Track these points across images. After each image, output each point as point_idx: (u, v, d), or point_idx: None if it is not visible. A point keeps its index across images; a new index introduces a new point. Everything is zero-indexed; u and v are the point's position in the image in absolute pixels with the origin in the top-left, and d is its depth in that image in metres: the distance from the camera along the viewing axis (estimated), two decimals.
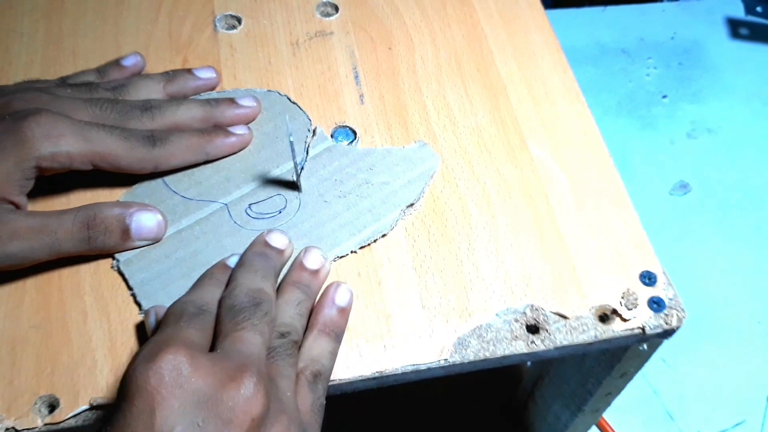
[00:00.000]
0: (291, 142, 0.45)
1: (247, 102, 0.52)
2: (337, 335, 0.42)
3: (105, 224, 0.43)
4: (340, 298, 0.43)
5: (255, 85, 0.55)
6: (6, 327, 0.43)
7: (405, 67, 0.57)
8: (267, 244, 0.45)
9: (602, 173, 0.52)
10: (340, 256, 0.47)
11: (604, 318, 0.46)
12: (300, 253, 0.45)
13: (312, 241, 0.47)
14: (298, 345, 0.41)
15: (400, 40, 0.59)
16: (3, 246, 0.41)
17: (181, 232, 0.47)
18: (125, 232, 0.44)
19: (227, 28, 0.59)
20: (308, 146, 0.52)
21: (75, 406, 0.40)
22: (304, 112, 0.54)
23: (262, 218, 0.48)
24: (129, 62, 0.54)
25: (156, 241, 0.46)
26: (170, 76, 0.53)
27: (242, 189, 0.49)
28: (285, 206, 0.49)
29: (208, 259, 0.46)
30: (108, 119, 0.46)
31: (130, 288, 0.45)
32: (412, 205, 0.49)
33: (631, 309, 0.45)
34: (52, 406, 0.40)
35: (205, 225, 0.47)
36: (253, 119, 0.52)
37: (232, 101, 0.52)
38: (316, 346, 0.41)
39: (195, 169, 0.50)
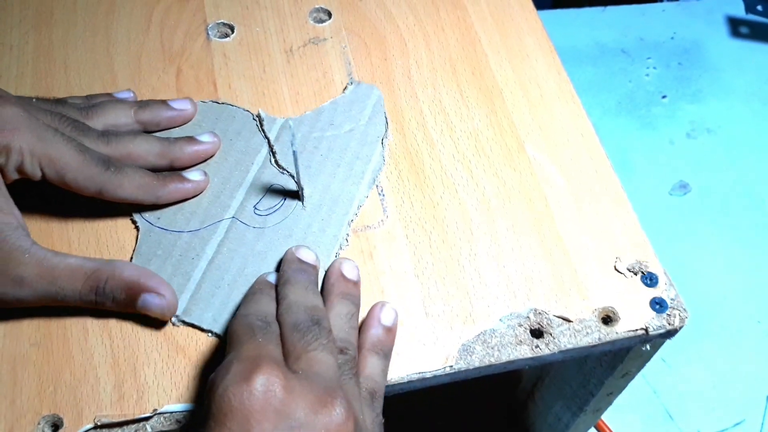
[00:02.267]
0: (294, 152, 0.45)
1: (205, 138, 0.51)
2: (385, 354, 0.42)
3: (114, 294, 0.42)
4: (386, 318, 0.43)
5: (251, 95, 0.54)
6: (6, 345, 0.43)
7: (400, 72, 0.57)
8: (301, 261, 0.45)
9: (600, 174, 0.52)
10: (360, 205, 0.49)
11: (607, 320, 0.46)
12: (335, 264, 0.45)
13: (331, 207, 0.49)
14: (356, 361, 0.41)
15: (394, 44, 0.59)
16: (12, 290, 0.41)
17: (214, 260, 0.46)
18: (131, 305, 0.42)
19: (220, 37, 0.58)
20: (265, 133, 0.52)
21: (79, 425, 0.40)
22: (237, 107, 0.54)
23: (274, 211, 0.49)
24: (120, 96, 0.53)
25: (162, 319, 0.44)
26: (143, 103, 0.51)
27: (237, 197, 0.49)
28: (285, 189, 0.50)
29: (255, 269, 0.46)
30: (65, 130, 0.45)
31: (206, 331, 0.44)
32: (385, 136, 0.53)
33: (637, 274, 0.46)
34: (56, 426, 0.40)
35: (229, 243, 0.47)
36: (213, 155, 0.51)
37: (191, 138, 0.50)
38: (368, 364, 0.41)
39: (180, 204, 0.48)
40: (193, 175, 0.49)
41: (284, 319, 0.40)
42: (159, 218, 0.48)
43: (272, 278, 0.44)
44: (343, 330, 0.42)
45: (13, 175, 0.43)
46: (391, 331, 0.43)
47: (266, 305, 0.42)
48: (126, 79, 0.55)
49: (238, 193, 0.49)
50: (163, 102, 0.52)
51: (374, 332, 0.43)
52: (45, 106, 0.46)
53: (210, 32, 0.59)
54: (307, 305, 0.41)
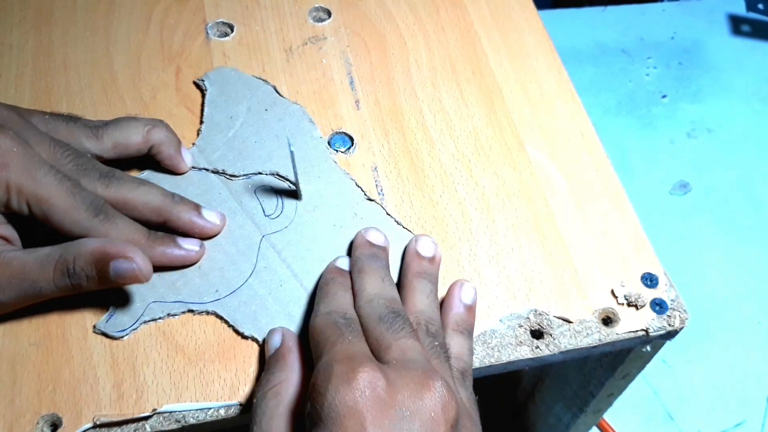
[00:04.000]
0: (291, 152, 0.45)
1: (210, 216, 0.47)
2: (469, 332, 0.43)
3: (85, 272, 0.40)
4: (466, 297, 0.44)
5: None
6: (6, 345, 0.42)
7: (400, 71, 0.57)
8: (371, 244, 0.46)
9: (600, 174, 0.52)
10: (324, 146, 0.52)
11: (607, 321, 0.45)
12: (411, 242, 0.47)
13: (312, 164, 0.51)
14: (444, 339, 0.42)
15: (393, 44, 0.59)
16: None
17: (295, 273, 0.46)
18: (105, 278, 0.41)
19: (219, 36, 0.58)
20: (197, 167, 0.51)
21: (78, 424, 0.40)
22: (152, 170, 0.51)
23: (282, 207, 0.49)
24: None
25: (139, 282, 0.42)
26: (159, 122, 0.49)
27: (245, 222, 0.48)
28: (270, 185, 0.50)
29: (326, 248, 0.47)
30: (65, 167, 0.43)
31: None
32: (274, 87, 0.55)
33: (634, 307, 0.45)
34: (55, 425, 0.40)
35: (285, 252, 0.47)
36: (210, 236, 0.47)
37: (196, 207, 0.47)
38: (454, 344, 0.42)
39: (219, 267, 0.46)
40: (188, 243, 0.46)
41: (366, 312, 0.41)
42: (217, 290, 0.45)
43: (341, 263, 0.45)
44: (428, 308, 0.43)
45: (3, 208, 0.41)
46: (471, 309, 0.44)
47: (343, 299, 0.42)
48: (126, 79, 0.55)
49: (241, 218, 0.48)
50: (178, 141, 0.50)
51: (456, 312, 0.44)
52: (58, 127, 0.45)
53: (209, 31, 0.58)
54: (386, 297, 0.41)
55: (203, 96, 0.54)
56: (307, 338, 0.40)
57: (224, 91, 0.54)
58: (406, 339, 0.38)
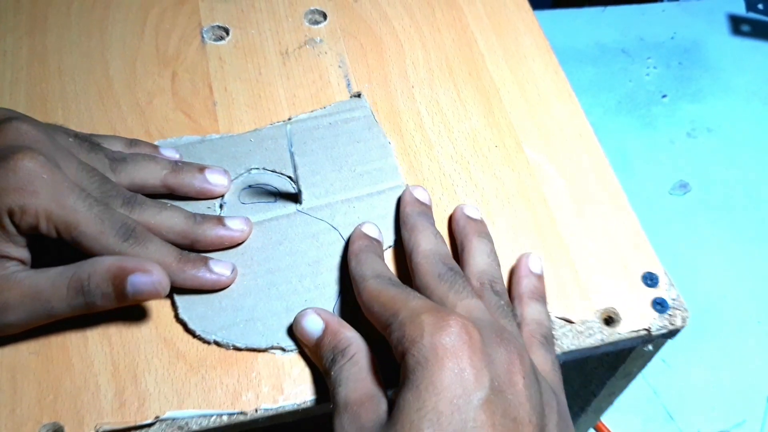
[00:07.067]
0: (291, 153, 0.44)
1: (235, 224, 0.46)
2: (543, 299, 0.45)
3: (101, 289, 0.40)
4: (534, 266, 0.46)
5: (247, 97, 0.54)
6: (5, 354, 0.42)
7: (396, 73, 0.57)
8: (420, 202, 0.48)
9: (599, 175, 0.52)
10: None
11: (609, 321, 0.45)
12: (457, 210, 0.48)
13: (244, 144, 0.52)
14: (508, 299, 0.43)
15: (390, 45, 0.58)
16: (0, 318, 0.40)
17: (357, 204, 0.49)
18: (122, 295, 0.40)
19: (215, 40, 0.58)
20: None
21: None
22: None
23: (275, 194, 0.50)
24: (165, 153, 0.50)
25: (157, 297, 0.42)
26: (178, 167, 0.48)
27: (276, 221, 0.48)
28: (242, 189, 0.50)
29: None
30: (91, 191, 0.42)
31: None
32: None
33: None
34: None
35: (328, 207, 0.49)
36: (239, 243, 0.47)
37: (219, 221, 0.46)
38: (532, 311, 0.44)
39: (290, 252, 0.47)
40: (220, 267, 0.45)
41: (424, 268, 0.42)
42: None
43: (367, 229, 0.46)
44: (491, 267, 0.44)
45: (26, 232, 0.40)
46: (541, 278, 0.46)
47: (382, 265, 0.44)
48: (121, 84, 0.55)
49: (268, 222, 0.48)
50: (201, 170, 0.48)
51: (528, 281, 0.45)
52: (80, 152, 0.45)
53: (205, 35, 0.58)
54: (441, 254, 0.43)
55: None
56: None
57: None
58: (470, 299, 0.40)
